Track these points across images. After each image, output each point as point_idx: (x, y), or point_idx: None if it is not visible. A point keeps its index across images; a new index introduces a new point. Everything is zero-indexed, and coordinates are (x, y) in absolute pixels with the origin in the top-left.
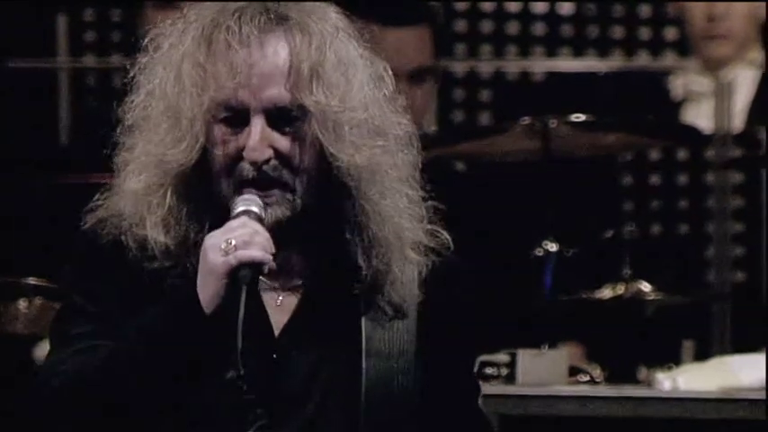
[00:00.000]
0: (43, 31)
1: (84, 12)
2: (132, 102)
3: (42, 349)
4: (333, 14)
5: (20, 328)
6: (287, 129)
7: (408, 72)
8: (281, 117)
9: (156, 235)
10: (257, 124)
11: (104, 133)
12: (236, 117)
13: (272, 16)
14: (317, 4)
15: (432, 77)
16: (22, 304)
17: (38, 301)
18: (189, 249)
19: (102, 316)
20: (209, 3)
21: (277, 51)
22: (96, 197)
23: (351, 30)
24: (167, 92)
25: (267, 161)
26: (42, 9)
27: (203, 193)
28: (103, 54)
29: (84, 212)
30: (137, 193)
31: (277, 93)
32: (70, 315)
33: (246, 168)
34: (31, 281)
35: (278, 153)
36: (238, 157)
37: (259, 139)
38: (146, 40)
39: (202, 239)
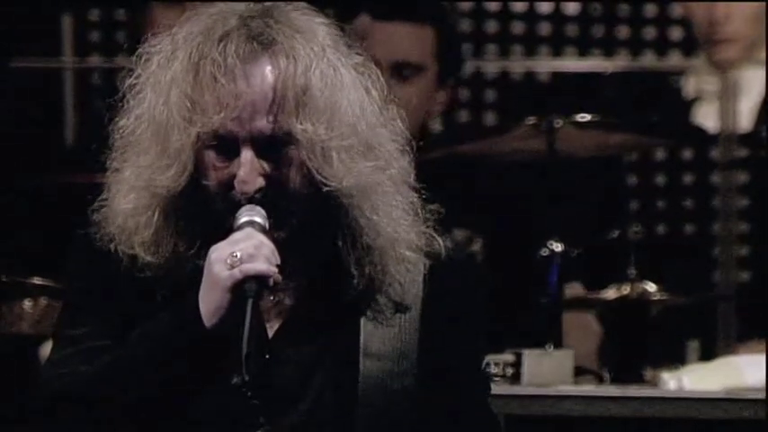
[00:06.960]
0: (48, 30)
1: (90, 12)
2: (122, 124)
3: (47, 349)
4: (321, 31)
5: (25, 328)
6: (276, 155)
7: (390, 65)
8: (269, 145)
9: (143, 254)
10: (246, 155)
11: (109, 133)
12: (226, 145)
13: (258, 41)
14: (305, 18)
15: (424, 78)
16: (27, 304)
17: (43, 300)
18: (179, 262)
19: (99, 316)
20: (201, 16)
21: (263, 80)
22: (98, 199)
23: (340, 43)
24: (156, 117)
25: (259, 190)
26: (47, 9)
27: (194, 209)
28: (109, 54)
29: (89, 212)
30: (125, 213)
31: (264, 123)
32: (69, 316)
33: (239, 197)
34: (36, 281)
35: (269, 180)
36: (230, 184)
37: (249, 170)
38: (137, 53)
39: (192, 253)
